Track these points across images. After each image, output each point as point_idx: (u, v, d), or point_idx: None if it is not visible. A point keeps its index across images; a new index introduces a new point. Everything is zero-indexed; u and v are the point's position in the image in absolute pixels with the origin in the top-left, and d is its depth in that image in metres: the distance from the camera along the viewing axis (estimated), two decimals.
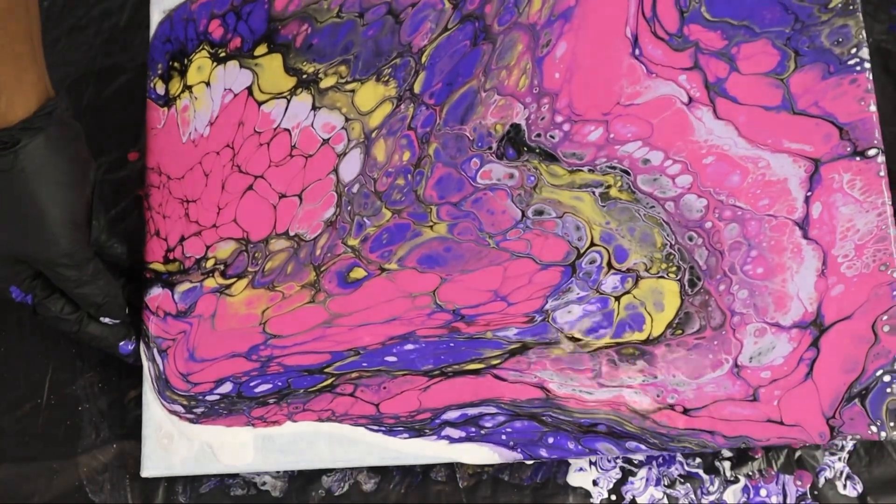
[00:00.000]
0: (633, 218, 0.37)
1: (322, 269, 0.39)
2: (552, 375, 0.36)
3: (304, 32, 0.40)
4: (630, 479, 0.36)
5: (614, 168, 0.37)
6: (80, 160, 0.34)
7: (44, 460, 0.39)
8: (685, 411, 0.35)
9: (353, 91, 0.39)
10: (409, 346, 0.37)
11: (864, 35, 0.36)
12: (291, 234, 0.39)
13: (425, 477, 0.37)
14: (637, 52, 0.37)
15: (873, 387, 0.34)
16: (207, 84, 0.41)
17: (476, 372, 0.37)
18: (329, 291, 0.39)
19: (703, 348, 0.35)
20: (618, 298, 0.36)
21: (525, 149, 0.38)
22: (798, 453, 0.37)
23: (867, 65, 0.36)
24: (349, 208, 0.39)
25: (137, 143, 0.45)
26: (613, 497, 0.36)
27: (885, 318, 0.34)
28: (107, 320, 0.36)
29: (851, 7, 0.36)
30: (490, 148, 0.38)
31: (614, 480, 0.36)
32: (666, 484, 0.36)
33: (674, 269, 0.36)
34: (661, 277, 0.36)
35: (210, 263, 0.40)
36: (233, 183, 0.40)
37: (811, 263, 0.35)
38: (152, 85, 0.42)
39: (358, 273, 0.38)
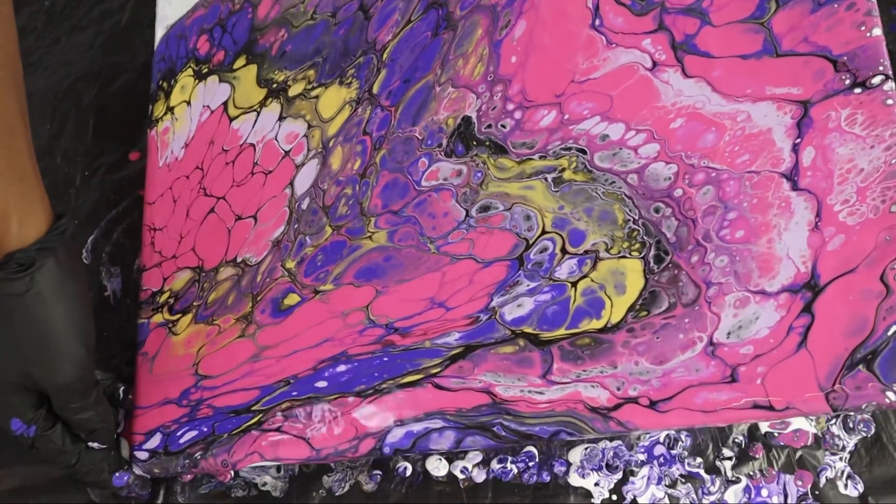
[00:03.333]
0: (589, 198, 0.50)
1: (259, 297, 0.56)
2: (498, 377, 0.49)
3: (280, 39, 0.61)
4: (631, 478, 0.48)
5: (569, 149, 0.52)
6: (86, 280, 0.47)
7: (45, 461, 0.52)
8: (651, 404, 0.47)
9: (317, 97, 0.60)
10: (341, 368, 0.53)
11: None
12: (239, 259, 0.58)
13: (426, 477, 0.51)
14: (597, 22, 0.54)
15: (883, 348, 0.43)
16: (188, 103, 0.63)
17: (414, 384, 0.51)
18: (259, 322, 0.56)
19: (672, 328, 0.47)
20: (574, 284, 0.50)
21: (474, 143, 0.54)
22: (799, 453, 0.47)
23: None
24: (296, 226, 0.57)
25: (138, 143, 0.67)
26: (614, 497, 0.48)
27: None
28: (95, 445, 0.51)
29: None
30: (440, 145, 0.54)
31: (615, 480, 0.48)
32: (667, 484, 0.48)
33: (637, 245, 0.49)
34: (623, 257, 0.49)
35: (164, 297, 0.59)
36: (197, 208, 0.60)
37: (803, 217, 0.46)
38: (150, 108, 0.65)
39: (291, 299, 0.55)
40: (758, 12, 0.49)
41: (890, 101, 0.46)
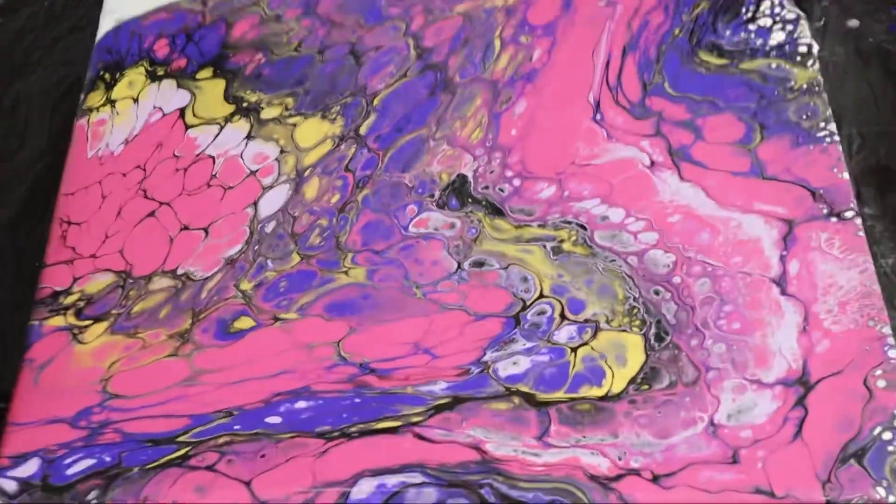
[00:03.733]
0: (589, 271, 0.50)
1: (201, 315, 0.48)
2: (488, 434, 0.45)
3: (256, 62, 0.57)
4: None
5: (569, 223, 0.51)
6: None
7: None
8: (654, 479, 0.44)
9: (294, 125, 0.55)
10: (301, 404, 0.46)
11: (831, 112, 0.55)
12: (180, 272, 0.50)
13: None
14: (598, 116, 0.55)
15: (871, 446, 0.44)
16: (135, 100, 0.56)
17: (392, 430, 0.45)
18: (199, 343, 0.47)
19: (674, 405, 0.46)
20: (574, 350, 0.48)
21: (469, 199, 0.52)
22: None
23: (836, 137, 0.53)
24: (256, 248, 0.50)
25: None
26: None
27: (878, 372, 0.46)
28: None
29: (816, 88, 0.56)
30: (431, 196, 0.52)
31: None
32: None
33: (638, 322, 0.49)
34: (624, 331, 0.48)
35: (71, 299, 0.50)
36: (132, 209, 0.52)
37: (792, 319, 0.48)
38: (82, 97, 0.57)
39: (244, 323, 0.48)
40: (745, 139, 0.53)
41: (861, 234, 0.50)
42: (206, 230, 0.51)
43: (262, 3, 0.59)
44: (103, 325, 0.48)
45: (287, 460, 0.44)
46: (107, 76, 0.57)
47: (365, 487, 0.43)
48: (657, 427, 0.45)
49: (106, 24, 0.60)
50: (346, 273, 0.49)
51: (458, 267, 0.49)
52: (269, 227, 0.51)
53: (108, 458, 0.44)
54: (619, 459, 0.44)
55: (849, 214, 0.50)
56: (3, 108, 0.66)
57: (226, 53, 0.57)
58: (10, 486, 0.44)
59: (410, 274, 0.49)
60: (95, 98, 0.56)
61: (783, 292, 0.48)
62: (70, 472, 0.44)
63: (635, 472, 0.44)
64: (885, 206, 0.50)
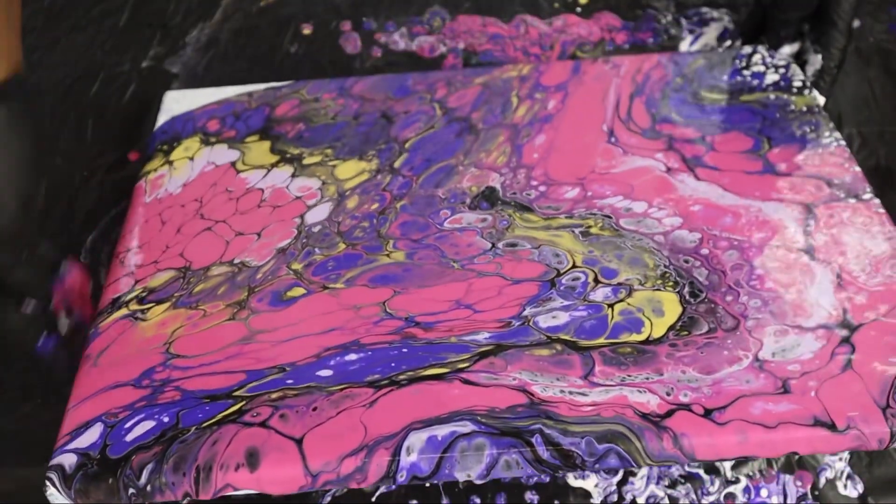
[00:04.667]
0: (618, 248, 0.50)
1: (257, 289, 0.49)
2: (534, 376, 0.44)
3: (297, 129, 0.61)
4: (630, 479, 0.45)
5: (594, 214, 0.53)
6: (35, 143, 0.43)
7: (44, 462, 0.45)
8: (707, 413, 0.42)
9: (334, 165, 0.59)
10: (351, 357, 0.45)
11: (834, 125, 0.57)
12: (237, 261, 0.51)
13: None
14: (613, 139, 0.59)
15: None
16: (191, 159, 0.60)
17: (439, 377, 0.44)
18: (255, 309, 0.48)
19: (716, 347, 0.45)
20: (611, 306, 0.48)
21: (500, 202, 0.54)
22: None
23: (842, 142, 0.55)
24: (305, 240, 0.52)
25: (138, 143, 0.63)
26: (614, 497, 0.44)
27: None
28: (26, 310, 0.46)
29: (817, 109, 0.59)
30: (463, 203, 0.54)
31: (615, 481, 0.45)
32: (666, 484, 0.44)
33: (671, 283, 0.49)
34: (658, 290, 0.48)
35: (132, 295, 0.50)
36: (190, 227, 0.54)
37: (825, 278, 0.47)
38: (142, 167, 0.60)
39: (296, 292, 0.49)
40: (755, 148, 0.56)
41: (881, 210, 0.50)
42: (258, 234, 0.53)
43: (301, 91, 0.64)
44: (165, 305, 0.49)
45: (338, 413, 0.42)
46: (164, 147, 0.61)
47: (415, 443, 0.41)
48: (701, 364, 0.43)
49: (162, 119, 0.64)
50: (387, 256, 0.50)
51: (493, 246, 0.50)
52: (316, 229, 0.53)
53: (166, 419, 0.43)
54: (668, 395, 0.42)
55: (867, 196, 0.51)
56: None
57: (270, 125, 0.62)
58: (70, 460, 0.42)
59: (447, 253, 0.50)
60: (154, 164, 0.60)
61: (812, 258, 0.48)
62: (129, 437, 0.42)
63: (686, 408, 0.41)
64: (885, 205, 0.51)
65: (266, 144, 0.59)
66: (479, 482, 0.42)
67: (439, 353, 0.44)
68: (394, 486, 0.42)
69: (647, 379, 0.42)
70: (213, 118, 0.62)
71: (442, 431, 0.41)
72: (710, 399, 0.41)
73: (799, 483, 0.45)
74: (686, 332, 0.44)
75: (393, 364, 0.44)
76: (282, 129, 0.60)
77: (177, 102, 0.63)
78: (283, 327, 0.46)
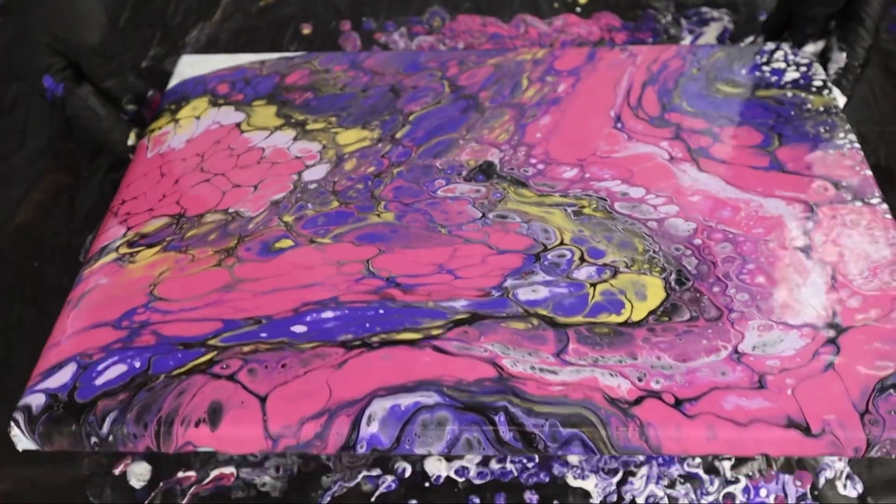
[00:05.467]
0: (609, 230, 0.48)
1: (247, 238, 0.49)
2: (506, 350, 0.42)
3: (305, 97, 0.60)
4: (630, 478, 0.44)
5: (589, 195, 0.51)
6: None
7: (44, 462, 0.46)
8: (677, 403, 0.40)
9: (336, 132, 0.58)
10: (328, 314, 0.44)
11: (850, 127, 0.55)
12: (231, 210, 0.51)
13: (425, 477, 0.45)
14: (619, 125, 0.57)
15: None
16: (197, 118, 0.59)
17: (411, 343, 0.43)
18: (242, 257, 0.47)
19: (695, 335, 0.43)
20: (593, 285, 0.45)
21: (495, 176, 0.52)
22: None
23: (857, 145, 0.53)
24: (299, 195, 0.51)
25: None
26: (614, 497, 0.43)
27: None
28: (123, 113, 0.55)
29: (834, 110, 0.56)
30: (459, 174, 0.53)
31: (615, 482, 0.44)
32: (666, 484, 0.42)
33: (658, 269, 0.46)
34: (644, 274, 0.46)
35: (124, 240, 0.50)
36: (189, 179, 0.54)
37: (819, 278, 0.45)
38: (148, 126, 0.60)
39: (284, 243, 0.48)
40: (764, 144, 0.53)
41: (888, 216, 0.48)
42: (255, 186, 0.52)
43: (314, 62, 0.63)
44: (155, 249, 0.49)
45: (306, 372, 0.41)
46: (172, 107, 0.61)
47: (377, 412, 0.39)
48: (678, 351, 0.41)
49: (174, 82, 0.63)
50: (377, 215, 0.49)
51: (483, 216, 0.49)
52: (312, 186, 0.52)
53: (137, 364, 0.42)
54: (639, 381, 0.40)
55: (874, 201, 0.48)
56: (3, 108, 0.67)
57: (278, 91, 0.61)
58: (38, 401, 0.41)
59: (436, 219, 0.49)
60: (160, 122, 0.59)
61: (808, 258, 0.46)
62: (99, 381, 0.42)
63: (656, 396, 0.39)
64: None
65: (272, 109, 0.59)
66: (439, 453, 0.40)
67: (414, 318, 0.43)
68: (359, 449, 0.41)
69: (620, 362, 0.40)
70: (223, 82, 0.61)
71: (406, 401, 0.40)
72: (682, 388, 0.39)
73: (798, 483, 0.43)
74: (667, 318, 0.42)
75: (367, 325, 0.43)
76: (290, 96, 0.59)
77: (190, 67, 0.63)
78: (266, 278, 0.46)
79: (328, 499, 0.44)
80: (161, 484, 0.45)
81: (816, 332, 0.41)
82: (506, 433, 0.38)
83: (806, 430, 0.38)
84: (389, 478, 0.44)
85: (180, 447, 0.40)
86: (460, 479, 0.44)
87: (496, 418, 0.39)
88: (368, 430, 0.39)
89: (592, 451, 0.38)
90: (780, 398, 0.39)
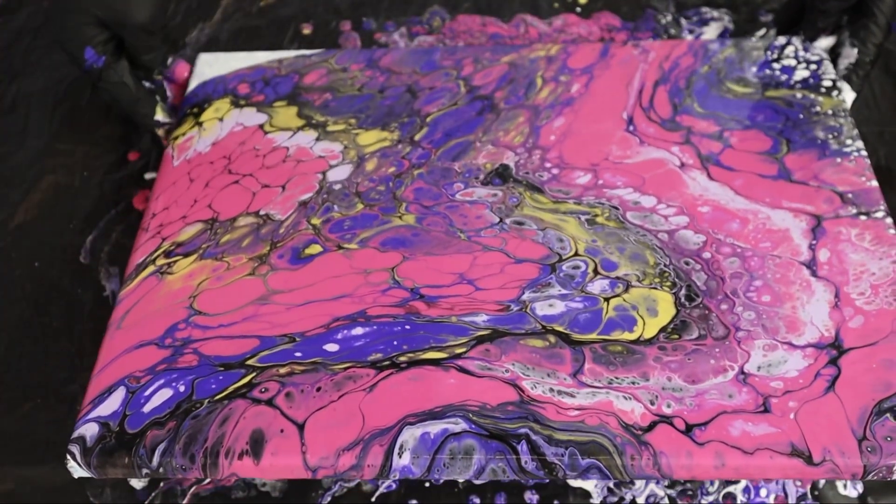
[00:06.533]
0: (622, 241, 0.49)
1: (279, 244, 0.49)
2: (526, 370, 0.43)
3: (324, 98, 0.59)
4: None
5: (602, 203, 0.51)
6: None
7: (44, 462, 0.47)
8: (687, 429, 0.41)
9: (357, 133, 0.58)
10: (357, 331, 0.45)
11: (857, 132, 0.54)
12: (262, 213, 0.51)
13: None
14: (631, 128, 0.57)
15: None
16: (220, 120, 0.59)
17: (436, 363, 0.44)
18: (274, 266, 0.48)
19: (703, 354, 0.43)
20: (607, 300, 0.46)
21: (512, 180, 0.53)
22: None
23: (864, 153, 0.52)
24: (325, 196, 0.52)
25: (137, 143, 0.62)
26: (614, 497, 0.43)
27: None
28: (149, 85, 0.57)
29: (842, 113, 0.56)
30: (477, 178, 0.53)
31: (615, 481, 0.43)
32: (666, 484, 0.43)
33: (668, 284, 0.47)
34: (655, 288, 0.47)
35: (160, 251, 0.50)
36: (218, 182, 0.54)
37: (823, 297, 0.45)
38: (171, 132, 0.59)
39: (313, 249, 0.49)
40: (772, 150, 0.53)
41: (892, 231, 0.48)
42: (283, 186, 0.53)
43: (330, 60, 0.63)
44: (192, 258, 0.49)
45: (340, 396, 0.42)
46: (195, 110, 0.60)
47: (408, 441, 0.41)
48: (687, 371, 0.42)
49: (194, 83, 0.63)
50: (399, 217, 0.50)
51: (500, 221, 0.50)
52: (336, 187, 0.53)
53: (182, 389, 0.43)
54: (651, 404, 0.41)
55: (879, 214, 0.48)
56: (3, 108, 0.66)
57: (298, 92, 0.60)
58: (91, 431, 0.42)
59: (455, 223, 0.50)
60: (182, 129, 0.59)
61: (813, 274, 0.46)
62: (147, 408, 0.43)
63: (667, 421, 0.40)
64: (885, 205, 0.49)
65: (293, 110, 0.59)
66: (468, 479, 0.42)
67: (439, 335, 0.44)
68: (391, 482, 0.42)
69: (633, 383, 0.42)
70: (243, 82, 0.61)
71: (434, 429, 0.41)
72: (692, 412, 0.40)
73: (798, 483, 0.44)
74: (676, 336, 0.43)
75: (395, 342, 0.44)
76: (309, 96, 0.59)
77: (209, 66, 0.62)
78: (297, 289, 0.47)
79: (328, 499, 0.45)
80: (161, 484, 0.46)
81: (819, 353, 0.42)
82: (528, 463, 0.40)
83: (808, 460, 0.39)
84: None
85: (226, 478, 0.41)
86: (460, 479, 0.44)
87: (519, 447, 0.40)
88: (401, 461, 0.40)
89: (608, 478, 0.39)
90: (784, 423, 0.40)
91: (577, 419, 0.40)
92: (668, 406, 0.41)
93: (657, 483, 0.44)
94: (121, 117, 0.63)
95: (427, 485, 0.45)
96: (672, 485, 0.45)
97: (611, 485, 0.45)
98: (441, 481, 0.45)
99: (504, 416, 0.41)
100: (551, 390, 0.41)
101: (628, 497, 0.44)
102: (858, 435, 0.39)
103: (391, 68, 0.60)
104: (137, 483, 0.46)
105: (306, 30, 0.71)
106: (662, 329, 0.44)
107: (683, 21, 0.70)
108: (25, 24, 0.70)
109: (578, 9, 0.72)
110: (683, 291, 0.45)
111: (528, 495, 0.45)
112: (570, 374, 0.42)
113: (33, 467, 0.47)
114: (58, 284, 0.54)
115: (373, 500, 0.45)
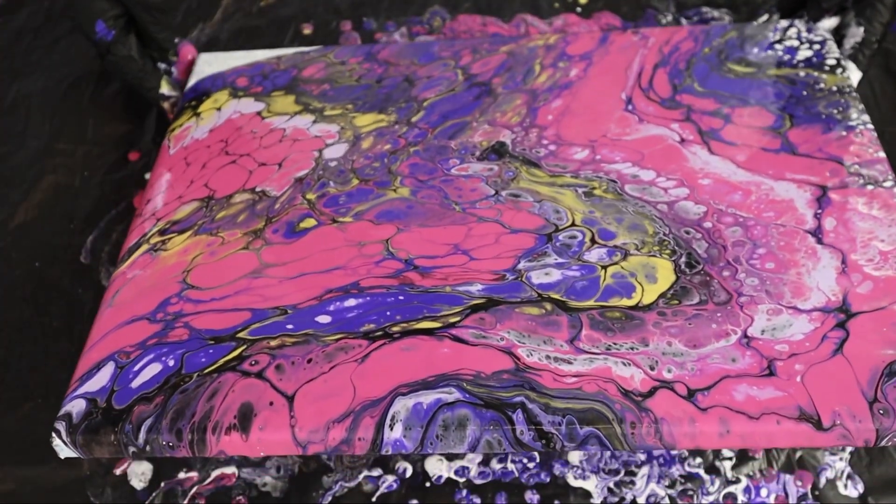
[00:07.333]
0: (620, 212, 0.47)
1: (274, 219, 0.48)
2: (522, 338, 0.41)
3: (322, 88, 0.58)
4: (631, 478, 0.43)
5: (600, 177, 0.50)
6: None
7: (44, 462, 0.46)
8: (689, 394, 0.39)
9: (354, 117, 0.56)
10: (350, 302, 0.43)
11: (864, 106, 0.52)
12: (258, 189, 0.50)
13: (426, 477, 0.44)
14: (630, 107, 0.55)
15: None
16: (218, 109, 0.58)
17: (429, 332, 0.41)
18: (268, 240, 0.47)
19: (705, 319, 0.41)
20: (604, 267, 0.44)
21: (508, 156, 0.51)
22: (799, 453, 0.42)
23: (870, 125, 0.50)
24: (321, 172, 0.50)
25: (137, 143, 0.61)
26: (614, 497, 0.42)
27: None
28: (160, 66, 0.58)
29: (847, 89, 0.53)
30: (473, 154, 0.51)
31: (615, 480, 0.43)
32: (667, 484, 0.41)
33: (668, 251, 0.45)
34: (654, 256, 0.45)
35: (155, 229, 0.49)
36: (215, 163, 0.53)
37: (829, 263, 0.43)
38: (169, 127, 0.58)
39: (308, 223, 0.47)
40: (775, 125, 0.51)
41: None
42: (279, 164, 0.52)
43: (329, 55, 0.62)
44: (187, 234, 0.48)
45: (331, 367, 0.40)
46: (193, 103, 0.59)
47: (400, 412, 0.38)
48: (687, 336, 0.40)
49: (193, 80, 0.62)
50: (394, 191, 0.49)
51: (496, 193, 0.48)
52: (332, 164, 0.51)
53: (171, 363, 0.41)
54: (651, 369, 0.38)
55: (888, 184, 0.46)
56: (3, 108, 0.65)
57: (296, 83, 0.59)
58: (78, 407, 0.40)
59: (450, 195, 0.48)
60: (180, 121, 0.58)
61: (819, 242, 0.44)
62: (135, 383, 0.41)
63: (668, 386, 0.38)
64: None
65: (291, 98, 0.57)
66: (464, 451, 0.40)
67: (433, 305, 0.42)
68: (385, 449, 0.40)
69: (633, 349, 0.39)
70: (242, 76, 0.60)
71: (427, 399, 0.38)
72: (693, 377, 0.38)
73: (799, 483, 0.42)
74: (676, 302, 0.41)
75: (388, 313, 0.42)
76: (307, 87, 0.58)
77: (209, 65, 0.61)
78: (291, 262, 0.45)
79: (329, 499, 0.44)
80: (162, 484, 0.45)
81: (826, 317, 0.40)
82: (524, 434, 0.37)
83: (817, 424, 0.36)
84: (390, 478, 0.43)
85: (214, 455, 0.39)
86: (461, 479, 0.43)
87: (514, 416, 0.37)
88: (392, 434, 0.37)
89: (608, 448, 0.37)
90: (790, 386, 0.37)
91: (575, 386, 0.38)
92: (669, 371, 0.38)
93: (657, 482, 0.42)
94: (126, 90, 0.63)
95: (427, 485, 0.43)
96: (672, 484, 0.42)
97: (611, 484, 0.43)
98: (442, 481, 0.43)
99: (499, 385, 0.38)
100: (548, 357, 0.39)
101: (629, 497, 0.42)
102: (869, 397, 0.36)
103: (389, 60, 0.59)
104: (138, 483, 0.44)
105: (307, 30, 0.71)
106: (662, 295, 0.41)
107: (684, 21, 0.69)
108: (25, 24, 0.70)
109: (579, 9, 0.71)
110: (683, 259, 0.43)
111: (528, 495, 0.43)
112: (567, 340, 0.39)
113: (33, 467, 0.46)
114: (58, 284, 0.53)
115: (373, 499, 0.43)
